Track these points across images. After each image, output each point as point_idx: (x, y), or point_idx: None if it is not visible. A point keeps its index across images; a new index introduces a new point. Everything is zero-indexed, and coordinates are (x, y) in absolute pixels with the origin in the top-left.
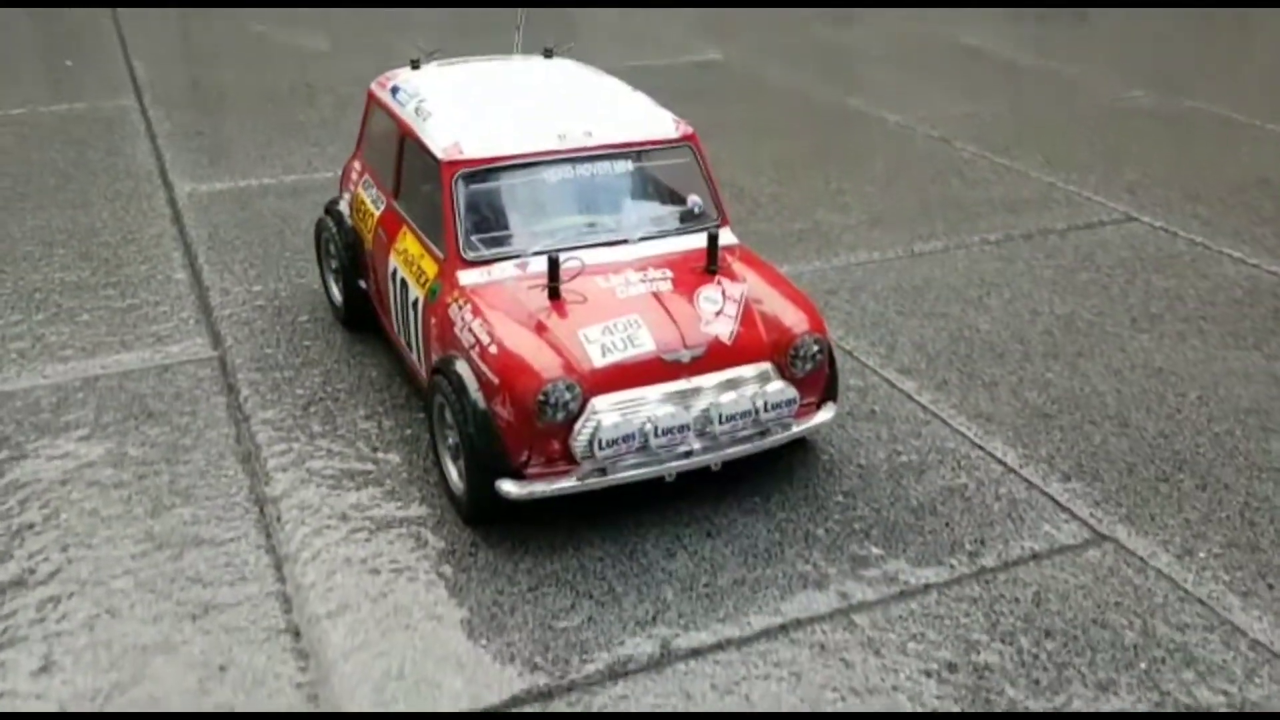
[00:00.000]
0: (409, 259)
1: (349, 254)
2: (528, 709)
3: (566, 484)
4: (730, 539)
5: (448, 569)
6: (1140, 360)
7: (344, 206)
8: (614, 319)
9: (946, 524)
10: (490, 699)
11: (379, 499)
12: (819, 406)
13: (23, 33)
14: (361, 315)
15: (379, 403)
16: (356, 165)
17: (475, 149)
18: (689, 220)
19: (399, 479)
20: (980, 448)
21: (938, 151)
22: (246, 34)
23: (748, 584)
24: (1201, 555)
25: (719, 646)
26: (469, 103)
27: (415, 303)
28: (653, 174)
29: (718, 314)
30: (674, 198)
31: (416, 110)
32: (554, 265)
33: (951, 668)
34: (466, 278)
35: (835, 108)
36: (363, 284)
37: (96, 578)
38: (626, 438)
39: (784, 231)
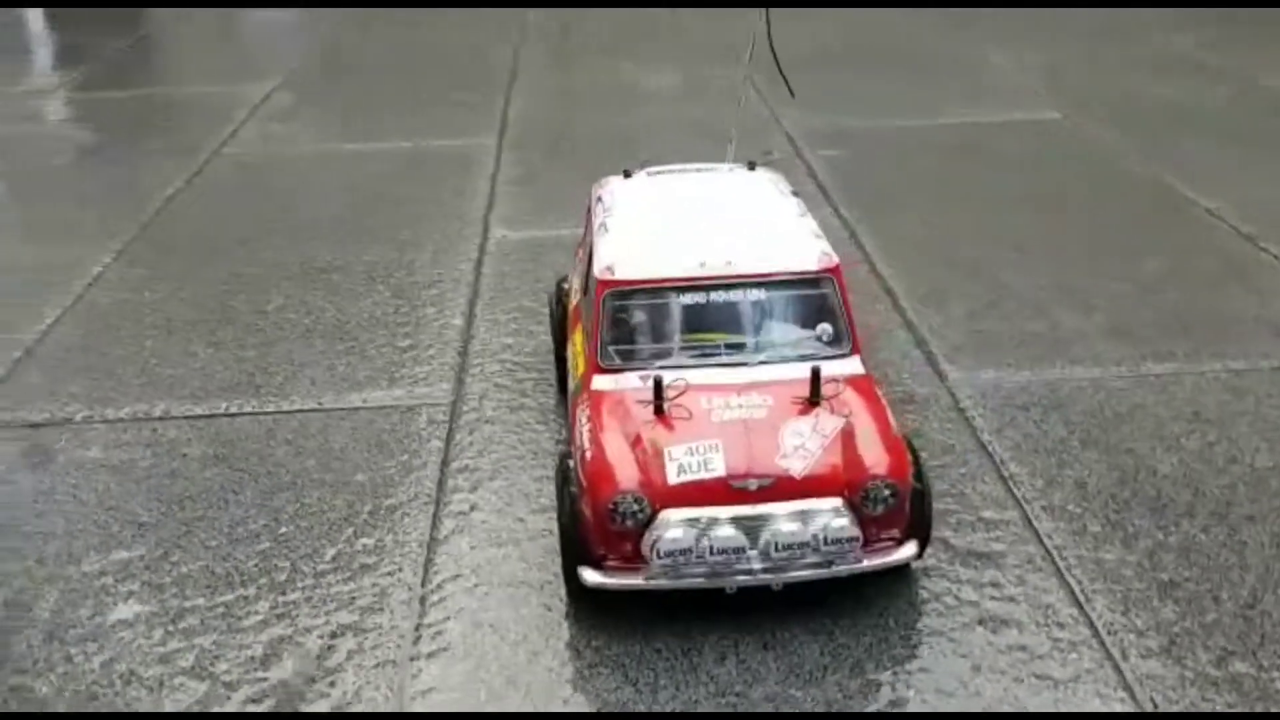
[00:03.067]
0: (575, 351)
1: (559, 330)
2: None
3: (635, 581)
4: (783, 654)
5: (535, 636)
6: None
7: (566, 285)
8: (699, 441)
9: (1002, 689)
10: None
11: (510, 558)
12: (900, 543)
13: (434, 65)
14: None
15: (551, 467)
16: (580, 252)
17: (625, 272)
18: (813, 348)
19: (533, 543)
20: (1079, 606)
21: (1235, 251)
22: (620, 75)
23: (776, 701)
24: None
25: None
26: (642, 223)
27: (571, 391)
28: (787, 302)
29: (798, 448)
30: (807, 324)
31: (602, 224)
32: (659, 385)
33: None
34: (598, 383)
35: (1149, 185)
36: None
37: (286, 589)
38: (684, 551)
39: (1012, 332)
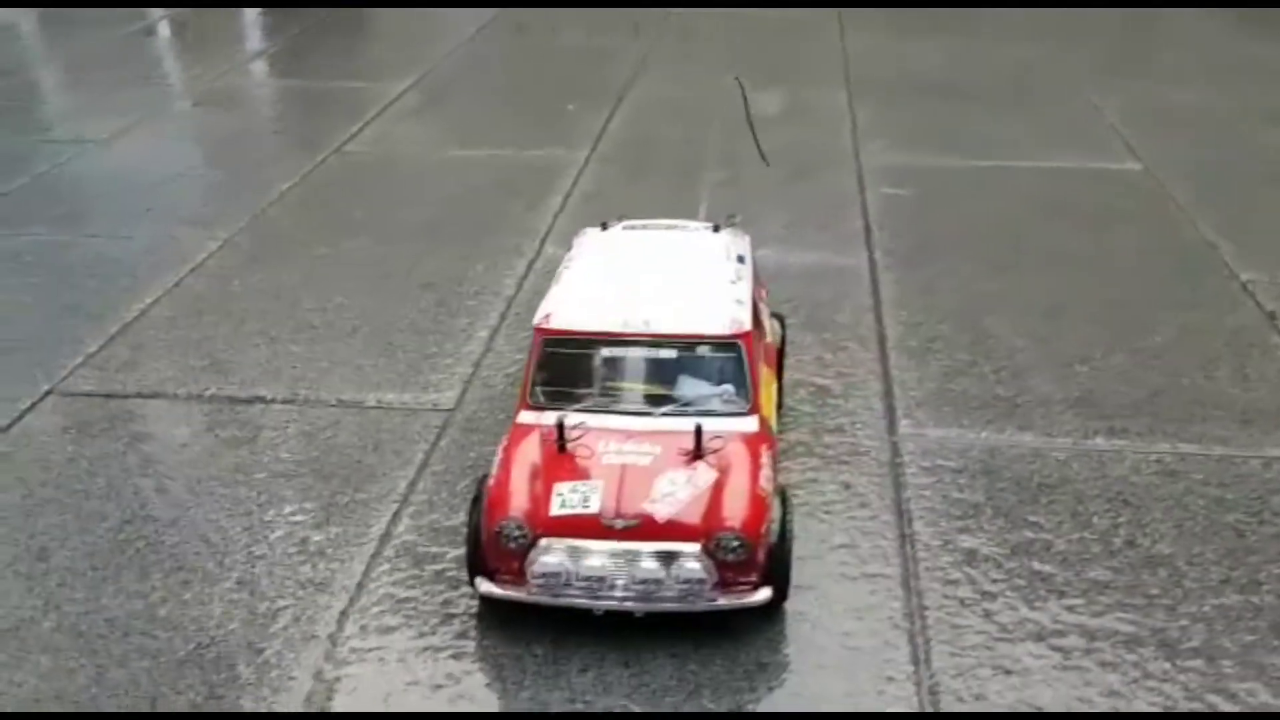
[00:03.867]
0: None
1: None
2: None
3: (517, 594)
4: (638, 673)
5: (438, 629)
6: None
7: None
8: (583, 481)
9: None
10: None
11: (442, 559)
12: (756, 588)
13: (564, 69)
14: None
15: None
16: None
17: (557, 321)
18: (715, 405)
19: (457, 541)
20: (915, 665)
21: (1250, 330)
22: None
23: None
24: None
25: None
26: (589, 276)
27: None
28: (697, 361)
29: (668, 495)
30: (714, 382)
31: (559, 273)
32: (560, 427)
33: None
34: (523, 417)
35: (1201, 251)
36: None
37: (255, 564)
38: (555, 575)
39: (981, 396)
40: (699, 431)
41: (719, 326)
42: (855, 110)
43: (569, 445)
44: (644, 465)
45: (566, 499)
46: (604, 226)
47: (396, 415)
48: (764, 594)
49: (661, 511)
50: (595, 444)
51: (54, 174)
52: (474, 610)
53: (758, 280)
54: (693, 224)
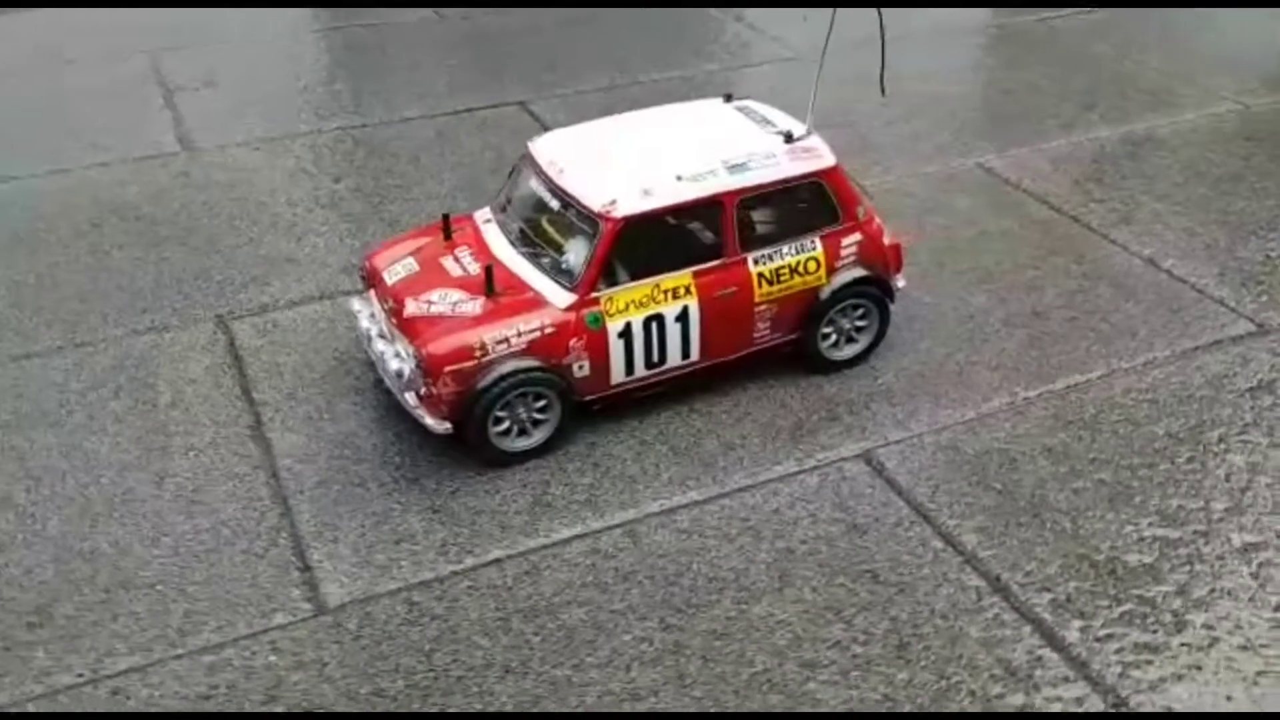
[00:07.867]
0: None
1: None
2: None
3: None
4: (376, 429)
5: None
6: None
7: None
8: (418, 266)
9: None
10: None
11: None
12: (441, 419)
13: None
14: None
15: None
16: None
17: (533, 143)
18: (558, 265)
19: None
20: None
21: None
22: None
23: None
24: None
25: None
26: (623, 125)
27: None
28: (572, 224)
29: (429, 302)
30: (574, 247)
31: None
32: (446, 219)
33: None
34: (480, 210)
35: None
36: None
37: None
38: (354, 313)
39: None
40: (488, 271)
41: (592, 201)
42: None
43: (453, 236)
44: (453, 275)
45: (394, 269)
46: (727, 98)
47: None
48: (438, 425)
49: (408, 309)
50: (458, 246)
51: None
52: None
53: (826, 207)
54: (780, 123)
